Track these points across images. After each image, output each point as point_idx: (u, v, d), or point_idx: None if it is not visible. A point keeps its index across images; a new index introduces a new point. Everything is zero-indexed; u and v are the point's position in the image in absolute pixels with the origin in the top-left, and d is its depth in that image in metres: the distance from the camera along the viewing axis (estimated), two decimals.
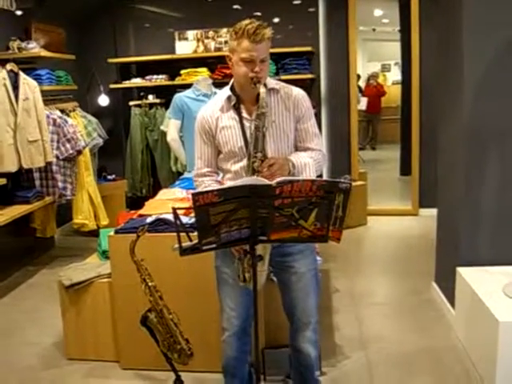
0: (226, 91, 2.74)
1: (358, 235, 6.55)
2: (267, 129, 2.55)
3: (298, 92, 2.76)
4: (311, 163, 2.67)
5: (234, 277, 2.64)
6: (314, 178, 2.62)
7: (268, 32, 2.57)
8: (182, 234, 2.21)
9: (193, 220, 3.04)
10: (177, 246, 2.14)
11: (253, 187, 2.06)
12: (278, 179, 2.10)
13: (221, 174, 2.86)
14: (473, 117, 3.80)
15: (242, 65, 2.56)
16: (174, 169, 6.75)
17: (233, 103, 2.69)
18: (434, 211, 4.84)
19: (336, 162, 7.27)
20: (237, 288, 2.70)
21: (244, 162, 2.62)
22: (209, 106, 2.81)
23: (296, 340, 2.83)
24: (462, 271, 3.86)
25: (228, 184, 2.53)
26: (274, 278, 2.88)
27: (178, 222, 2.12)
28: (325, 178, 6.73)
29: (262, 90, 2.53)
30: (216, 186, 2.69)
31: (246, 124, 2.64)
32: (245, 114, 2.67)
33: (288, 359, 3.06)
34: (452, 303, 4.12)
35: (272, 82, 2.74)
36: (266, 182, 2.11)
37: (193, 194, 2.01)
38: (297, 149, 2.76)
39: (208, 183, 2.76)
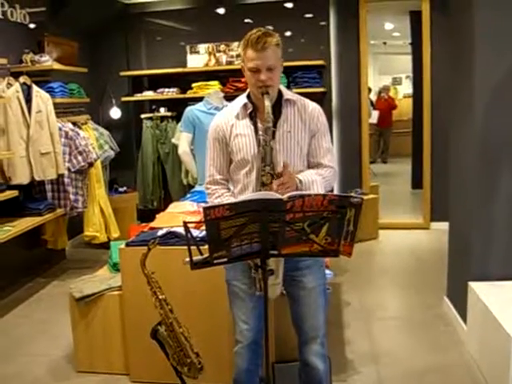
0: (242, 99, 2.73)
1: (369, 249, 6.52)
2: (275, 142, 2.55)
3: (314, 106, 2.77)
4: (319, 181, 2.66)
5: (247, 288, 2.64)
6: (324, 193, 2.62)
7: (273, 39, 2.56)
8: (193, 248, 2.21)
9: (204, 233, 3.05)
10: (188, 259, 2.14)
11: (264, 201, 2.05)
12: (289, 194, 2.09)
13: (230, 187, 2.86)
14: (484, 130, 3.78)
15: (250, 75, 2.58)
16: (184, 182, 6.77)
17: (249, 111, 2.68)
18: (445, 225, 4.81)
19: (347, 175, 7.26)
20: (248, 301, 2.70)
21: (255, 171, 2.62)
22: (224, 113, 2.80)
23: (304, 353, 2.82)
24: (474, 286, 3.84)
25: (240, 198, 2.52)
26: (285, 292, 2.86)
27: (189, 235, 2.11)
28: (336, 191, 6.72)
29: (267, 103, 2.52)
30: (228, 197, 2.69)
31: (261, 133, 2.63)
32: (260, 124, 2.65)
33: (298, 374, 3.04)
34: (464, 318, 4.09)
35: (288, 93, 2.73)
36: (278, 196, 2.11)
37: (204, 208, 2.01)
38: (309, 164, 2.75)
39: (221, 192, 2.75)
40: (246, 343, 2.77)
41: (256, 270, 2.50)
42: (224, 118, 2.75)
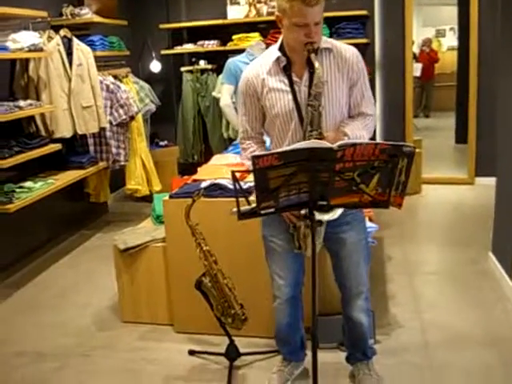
0: (274, 52, 2.63)
1: (412, 203, 6.40)
2: (324, 107, 2.47)
3: (352, 53, 2.64)
4: (365, 135, 2.60)
5: (285, 244, 2.62)
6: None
7: None
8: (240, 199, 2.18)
9: (248, 185, 3.02)
10: (235, 209, 2.11)
11: (313, 150, 2.00)
12: (340, 142, 2.03)
13: (266, 138, 2.80)
14: None
15: (294, 30, 2.44)
16: (225, 135, 6.71)
17: (282, 65, 2.59)
18: (490, 180, 4.71)
19: (390, 129, 7.14)
20: (285, 256, 2.69)
21: (292, 126, 2.56)
22: (253, 66, 2.69)
23: (348, 309, 2.81)
24: None
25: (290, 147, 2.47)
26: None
27: (238, 186, 2.08)
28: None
29: (317, 65, 2.41)
30: (263, 151, 2.65)
31: (296, 87, 2.55)
32: (295, 78, 2.57)
33: (341, 327, 3.03)
34: (510, 274, 4.01)
35: (324, 42, 2.60)
36: (328, 144, 2.05)
37: (253, 157, 1.97)
38: (350, 112, 2.67)
39: (256, 147, 2.71)
40: (285, 298, 2.77)
41: (295, 228, 2.48)
42: (255, 72, 2.65)
